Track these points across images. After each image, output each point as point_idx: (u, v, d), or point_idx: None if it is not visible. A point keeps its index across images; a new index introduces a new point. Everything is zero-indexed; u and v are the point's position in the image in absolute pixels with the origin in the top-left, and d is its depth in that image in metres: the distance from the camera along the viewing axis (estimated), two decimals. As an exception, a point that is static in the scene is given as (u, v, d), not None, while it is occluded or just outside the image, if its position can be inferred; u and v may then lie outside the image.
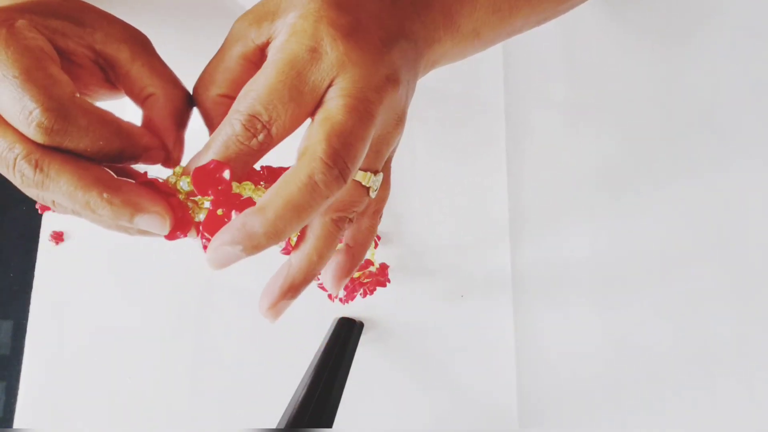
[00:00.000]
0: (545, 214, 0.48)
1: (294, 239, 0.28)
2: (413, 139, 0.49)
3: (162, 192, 0.25)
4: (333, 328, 0.44)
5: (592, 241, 0.47)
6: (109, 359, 0.47)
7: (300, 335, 0.47)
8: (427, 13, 0.28)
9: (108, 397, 0.47)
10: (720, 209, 0.46)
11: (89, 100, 0.28)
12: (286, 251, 0.39)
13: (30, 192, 0.24)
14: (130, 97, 0.27)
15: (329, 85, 0.24)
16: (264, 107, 0.23)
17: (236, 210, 0.25)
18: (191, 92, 0.28)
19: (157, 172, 0.26)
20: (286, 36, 0.24)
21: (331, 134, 0.23)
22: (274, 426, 0.34)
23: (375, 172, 0.27)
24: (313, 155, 0.23)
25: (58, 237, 0.48)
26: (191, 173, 0.24)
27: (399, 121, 0.27)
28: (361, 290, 0.45)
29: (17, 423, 0.46)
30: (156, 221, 0.24)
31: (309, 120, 0.25)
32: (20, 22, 0.23)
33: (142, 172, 0.27)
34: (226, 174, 0.23)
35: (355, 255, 0.30)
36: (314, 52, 0.23)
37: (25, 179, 0.22)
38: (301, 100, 0.23)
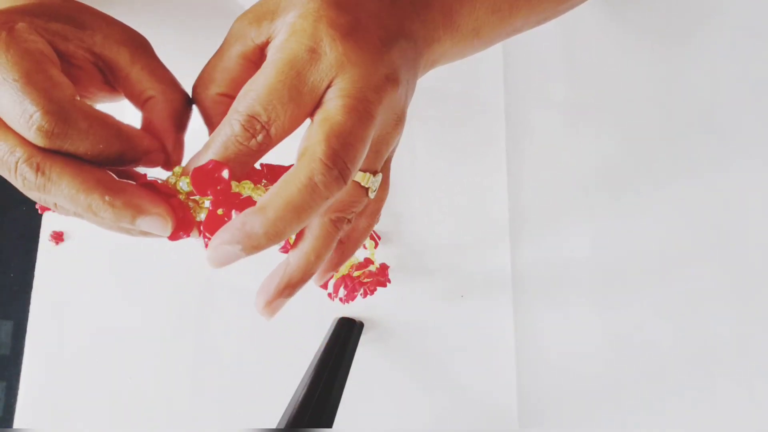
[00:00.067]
0: (545, 214, 0.48)
1: (293, 238, 0.28)
2: (413, 139, 0.49)
3: (163, 193, 0.25)
4: (333, 328, 0.44)
5: (592, 241, 0.47)
6: (109, 359, 0.47)
7: (300, 335, 0.47)
8: (427, 12, 0.28)
9: (108, 397, 0.47)
10: (720, 209, 0.46)
11: (89, 103, 0.28)
12: (285, 250, 0.39)
13: (32, 195, 0.24)
14: (129, 100, 0.27)
15: (328, 86, 0.24)
16: (263, 108, 0.23)
17: (236, 209, 0.25)
18: (190, 92, 0.28)
19: (156, 173, 0.26)
20: (286, 36, 0.24)
21: (330, 135, 0.23)
22: (274, 426, 0.34)
23: (374, 173, 0.27)
24: (312, 156, 0.23)
25: (58, 237, 0.48)
26: (190, 174, 0.24)
27: (398, 120, 0.27)
28: (361, 290, 0.45)
29: (17, 423, 0.46)
30: (158, 223, 0.24)
31: (308, 119, 0.25)
32: (20, 25, 0.23)
33: (141, 174, 0.27)
34: (225, 174, 0.23)
35: (345, 252, 0.30)
36: (313, 52, 0.23)
37: (27, 183, 0.23)
38: (301, 100, 0.23)
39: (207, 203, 0.25)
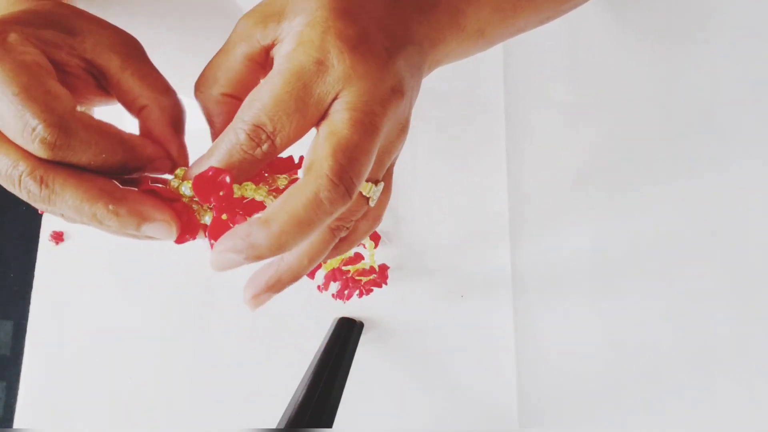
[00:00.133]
0: (545, 214, 0.48)
1: None
2: (413, 139, 0.49)
3: (166, 197, 0.25)
4: (333, 328, 0.44)
5: (592, 241, 0.47)
6: (109, 359, 0.47)
7: (300, 335, 0.47)
8: (433, 12, 0.28)
9: (108, 397, 0.47)
10: (720, 209, 0.46)
11: (86, 108, 0.28)
12: None
13: (38, 206, 0.24)
14: (124, 107, 0.27)
15: (335, 98, 0.24)
16: (269, 118, 0.23)
17: (241, 210, 0.25)
18: (193, 89, 0.28)
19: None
20: (293, 45, 0.24)
21: (337, 150, 0.23)
22: (274, 426, 0.34)
23: (376, 182, 0.27)
24: (319, 172, 0.23)
25: (58, 237, 0.48)
26: (192, 180, 0.24)
27: (403, 129, 0.27)
28: (357, 291, 0.45)
29: (17, 423, 0.46)
30: (163, 229, 0.24)
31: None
32: (12, 36, 0.23)
33: (145, 177, 0.27)
34: (227, 179, 0.23)
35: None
36: (321, 64, 0.23)
37: (31, 195, 0.23)
38: (306, 111, 0.24)
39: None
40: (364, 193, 0.26)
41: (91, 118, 0.23)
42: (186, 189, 0.25)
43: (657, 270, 0.46)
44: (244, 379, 0.47)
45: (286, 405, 0.35)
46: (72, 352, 0.47)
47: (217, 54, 0.27)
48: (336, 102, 0.24)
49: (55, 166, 0.23)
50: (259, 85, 0.24)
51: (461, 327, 0.47)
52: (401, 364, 0.47)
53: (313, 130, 0.25)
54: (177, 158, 0.26)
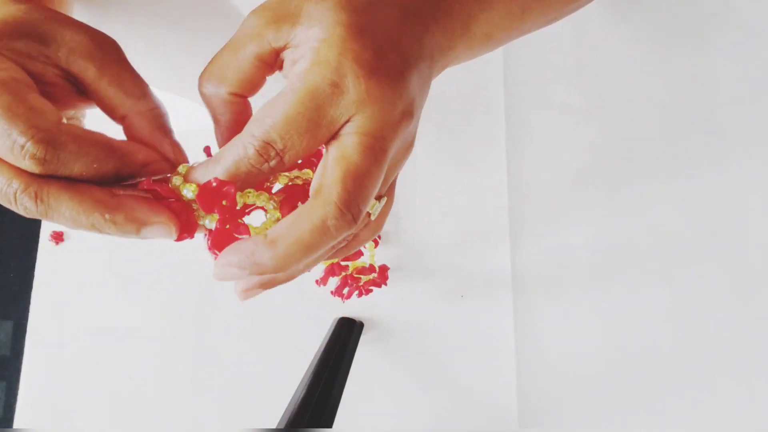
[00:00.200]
0: (545, 214, 0.48)
1: None
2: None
3: (165, 196, 0.25)
4: (333, 328, 0.44)
5: (592, 241, 0.47)
6: (109, 359, 0.47)
7: (300, 335, 0.47)
8: (447, 20, 0.27)
9: (108, 398, 0.47)
10: (720, 209, 0.47)
11: (75, 113, 0.28)
12: None
13: (38, 218, 0.24)
14: (106, 114, 0.27)
15: (347, 121, 0.24)
16: (280, 136, 0.23)
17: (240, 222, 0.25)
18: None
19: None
20: (309, 64, 0.24)
21: (347, 176, 0.23)
22: (274, 426, 0.34)
23: (379, 198, 0.27)
24: (328, 198, 0.23)
25: (58, 237, 0.48)
26: (198, 188, 0.24)
27: (409, 147, 0.27)
28: (357, 291, 0.45)
29: (17, 423, 0.46)
30: (162, 230, 0.24)
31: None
32: None
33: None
34: (232, 191, 0.24)
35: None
36: (336, 87, 0.23)
37: (28, 211, 0.23)
38: (318, 132, 0.24)
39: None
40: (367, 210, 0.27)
41: (79, 128, 0.23)
42: (188, 192, 0.25)
43: (657, 270, 0.46)
44: (244, 379, 0.47)
45: (286, 405, 0.35)
46: (72, 352, 0.47)
47: (224, 49, 0.26)
48: (348, 124, 0.24)
49: (49, 180, 0.23)
50: (271, 101, 0.24)
51: (461, 327, 0.47)
52: (401, 364, 0.47)
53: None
54: (174, 158, 0.26)
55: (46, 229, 0.48)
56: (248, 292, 0.27)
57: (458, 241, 0.48)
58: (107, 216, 0.23)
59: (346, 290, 0.45)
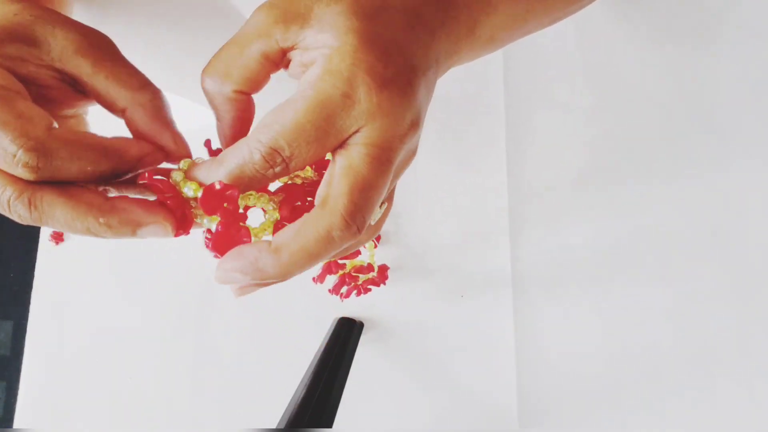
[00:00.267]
0: (545, 214, 0.48)
1: None
2: (413, 139, 0.49)
3: (162, 192, 0.25)
4: (333, 328, 0.44)
5: (593, 241, 0.47)
6: (109, 359, 0.47)
7: (300, 335, 0.47)
8: (454, 24, 0.27)
9: (108, 397, 0.47)
10: (720, 209, 0.46)
11: (75, 112, 0.28)
12: None
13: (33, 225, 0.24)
14: (105, 109, 0.27)
15: (356, 131, 0.24)
16: (287, 143, 0.23)
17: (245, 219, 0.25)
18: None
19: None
20: (320, 72, 0.23)
21: (354, 188, 0.23)
22: (274, 426, 0.34)
23: (380, 205, 0.27)
24: (334, 209, 0.23)
25: (58, 237, 0.48)
26: (201, 189, 0.24)
27: (413, 155, 0.27)
28: (355, 290, 0.45)
29: (17, 423, 0.46)
30: (158, 230, 0.24)
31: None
32: None
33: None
34: (235, 194, 0.24)
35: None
36: (348, 98, 0.23)
37: (23, 218, 0.23)
38: (326, 141, 0.23)
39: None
40: None
41: (70, 132, 0.23)
42: (189, 190, 0.25)
43: (657, 270, 0.46)
44: (244, 379, 0.47)
45: (286, 405, 0.35)
46: (72, 352, 0.47)
47: (229, 45, 0.26)
48: (356, 134, 0.24)
49: (42, 186, 0.23)
50: (280, 106, 0.24)
51: (461, 327, 0.47)
52: (401, 364, 0.47)
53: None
54: (175, 146, 0.26)
55: (46, 229, 0.48)
56: (244, 289, 0.27)
57: (458, 241, 0.48)
58: (101, 220, 0.23)
59: (344, 289, 0.45)
